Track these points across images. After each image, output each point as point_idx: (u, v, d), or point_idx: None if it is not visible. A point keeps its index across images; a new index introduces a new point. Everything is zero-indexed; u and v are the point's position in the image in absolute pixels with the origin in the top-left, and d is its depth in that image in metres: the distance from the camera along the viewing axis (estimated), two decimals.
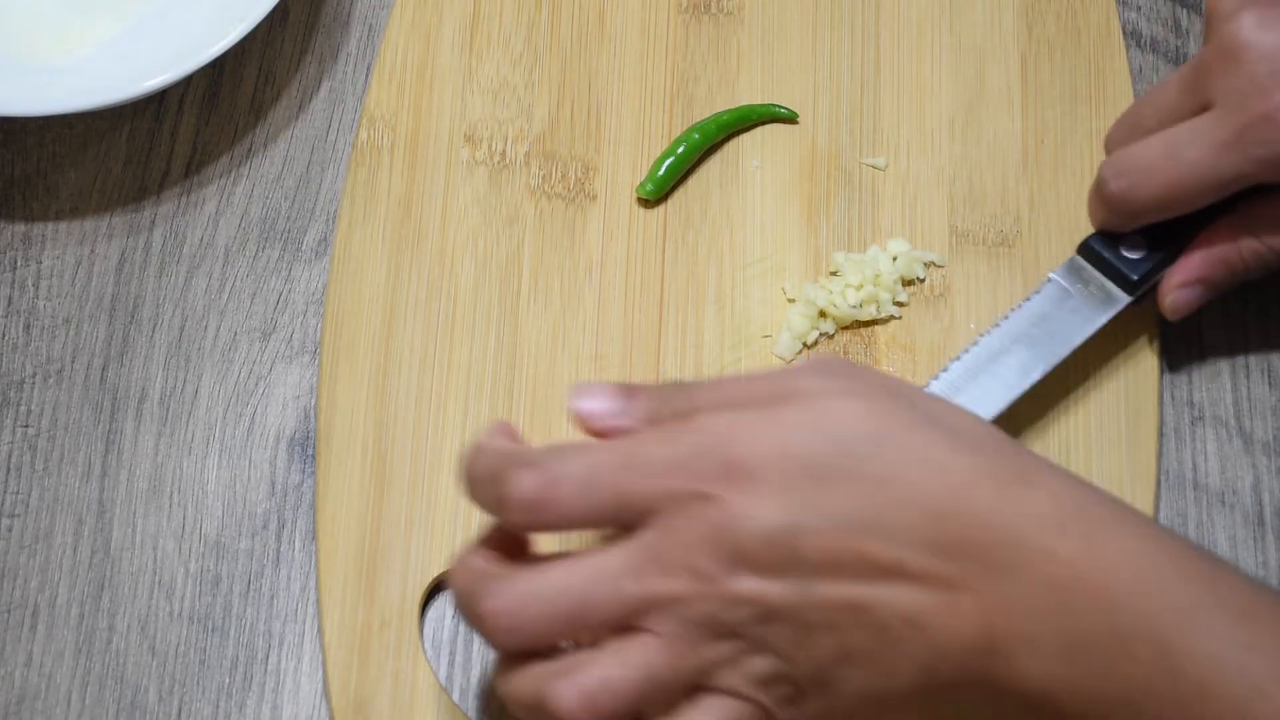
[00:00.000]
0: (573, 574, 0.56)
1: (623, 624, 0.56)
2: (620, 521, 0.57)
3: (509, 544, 0.60)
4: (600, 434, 0.59)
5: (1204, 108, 0.67)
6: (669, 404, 0.58)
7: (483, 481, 0.58)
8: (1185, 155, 0.67)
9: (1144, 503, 0.69)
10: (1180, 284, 0.70)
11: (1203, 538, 0.69)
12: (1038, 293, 0.70)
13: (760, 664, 0.56)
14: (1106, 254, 0.70)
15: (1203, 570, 0.55)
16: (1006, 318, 0.70)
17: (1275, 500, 0.70)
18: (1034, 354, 0.68)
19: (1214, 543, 0.69)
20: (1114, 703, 0.53)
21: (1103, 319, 0.70)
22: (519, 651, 0.57)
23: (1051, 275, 0.70)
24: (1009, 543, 0.54)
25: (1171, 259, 0.70)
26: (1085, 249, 0.71)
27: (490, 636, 0.57)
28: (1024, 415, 0.70)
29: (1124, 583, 0.54)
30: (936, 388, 0.68)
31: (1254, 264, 0.70)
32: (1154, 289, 0.71)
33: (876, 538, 0.55)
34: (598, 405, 0.59)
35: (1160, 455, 0.70)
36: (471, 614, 0.58)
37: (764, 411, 0.57)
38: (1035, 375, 0.68)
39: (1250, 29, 0.66)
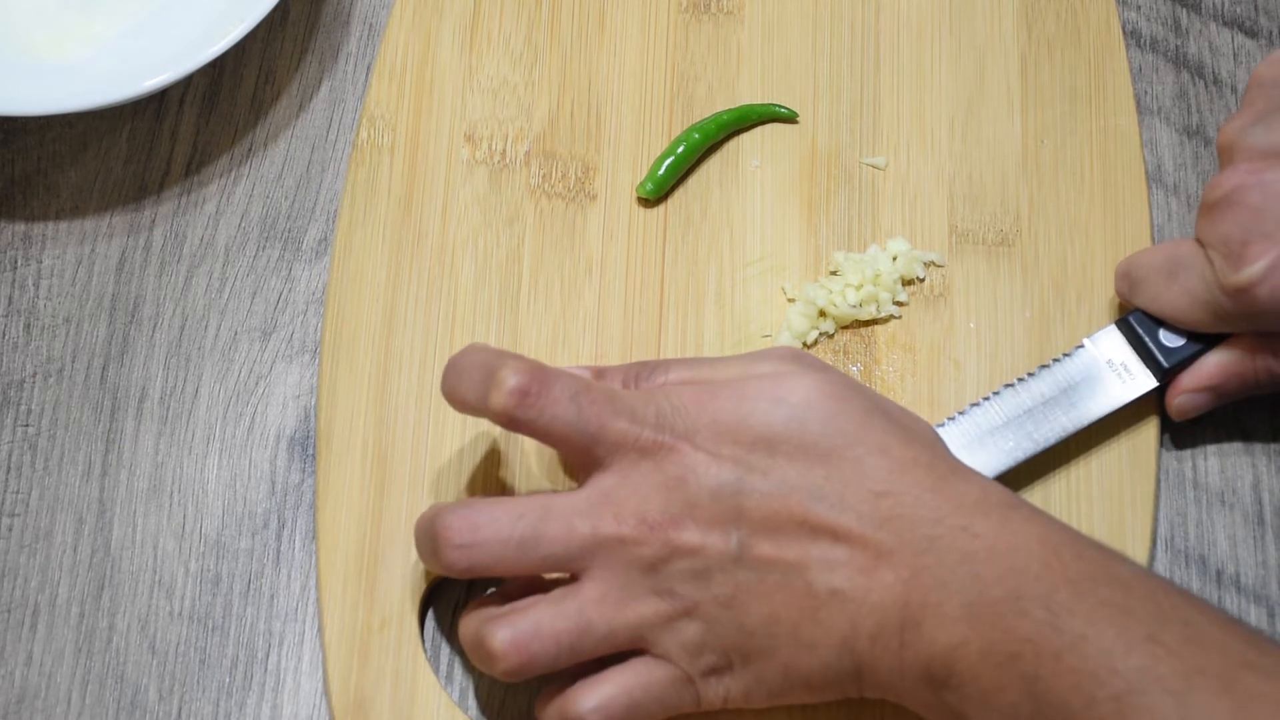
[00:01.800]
0: (529, 505, 0.60)
1: (569, 562, 0.60)
2: (589, 453, 0.61)
3: None
4: None
5: (1198, 238, 0.68)
6: (640, 380, 0.63)
7: (474, 368, 0.62)
8: (1179, 281, 0.67)
9: (1144, 502, 0.69)
10: (1190, 388, 0.69)
11: (1203, 538, 0.69)
12: (1069, 356, 0.69)
13: (690, 630, 0.60)
14: (1145, 335, 0.69)
15: (1099, 554, 0.59)
16: (1035, 375, 0.69)
17: (1275, 500, 0.70)
18: (1051, 420, 0.68)
19: (1214, 542, 0.69)
20: (1002, 657, 0.57)
21: (1127, 399, 0.69)
22: (469, 574, 0.60)
23: (1085, 341, 0.70)
24: (935, 520, 0.59)
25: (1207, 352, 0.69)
26: (1125, 324, 0.70)
27: (442, 554, 0.60)
28: None
29: (1028, 555, 0.58)
30: (952, 430, 0.68)
31: (1266, 381, 0.69)
32: None
33: (818, 504, 0.59)
34: None
35: (1160, 455, 0.70)
36: (427, 533, 0.61)
37: (730, 386, 0.61)
38: (1049, 441, 0.68)
39: (1239, 184, 0.66)
